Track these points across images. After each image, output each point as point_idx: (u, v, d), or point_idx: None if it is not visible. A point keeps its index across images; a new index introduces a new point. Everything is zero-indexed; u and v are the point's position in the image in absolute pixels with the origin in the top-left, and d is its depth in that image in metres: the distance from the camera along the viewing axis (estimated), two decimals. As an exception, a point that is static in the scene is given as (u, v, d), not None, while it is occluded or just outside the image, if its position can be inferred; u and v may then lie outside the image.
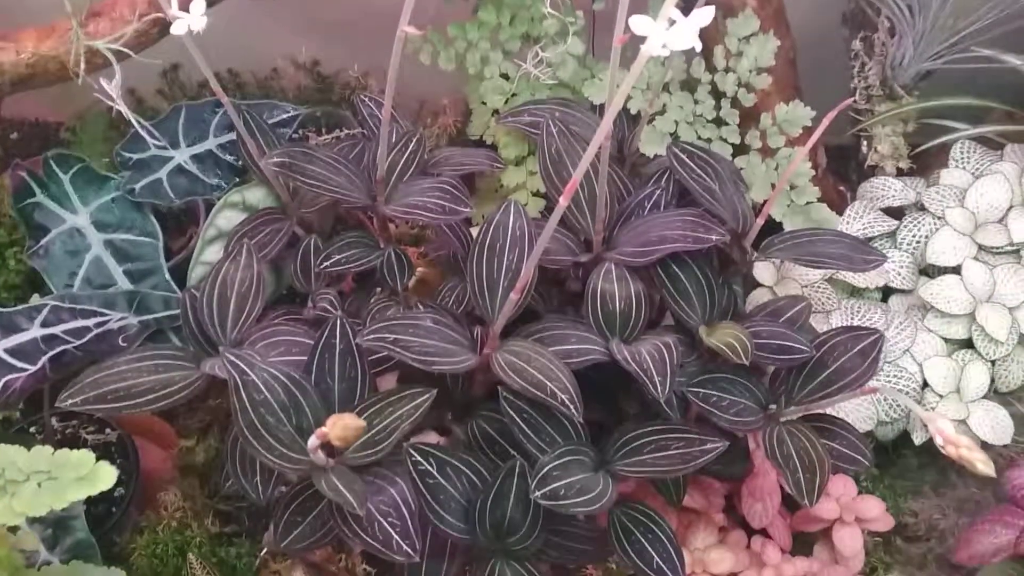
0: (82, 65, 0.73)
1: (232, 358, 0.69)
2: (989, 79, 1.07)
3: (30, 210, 1.00)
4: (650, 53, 0.50)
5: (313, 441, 0.63)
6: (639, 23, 0.49)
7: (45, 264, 0.98)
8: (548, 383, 0.73)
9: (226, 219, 0.98)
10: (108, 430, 1.00)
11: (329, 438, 0.59)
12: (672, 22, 0.51)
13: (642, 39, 0.51)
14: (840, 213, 1.07)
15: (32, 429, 1.01)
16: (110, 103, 0.77)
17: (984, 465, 0.57)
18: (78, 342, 0.87)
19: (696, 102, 1.00)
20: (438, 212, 0.86)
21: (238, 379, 0.68)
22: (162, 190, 1.00)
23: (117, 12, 0.86)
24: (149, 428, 1.04)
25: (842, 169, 1.21)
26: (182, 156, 1.01)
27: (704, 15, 0.51)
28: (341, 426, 0.58)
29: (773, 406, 0.82)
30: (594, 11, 1.01)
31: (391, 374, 0.90)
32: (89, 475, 0.62)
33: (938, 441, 0.60)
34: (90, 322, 0.89)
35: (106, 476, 0.62)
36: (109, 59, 0.82)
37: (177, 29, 0.67)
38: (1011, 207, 1.04)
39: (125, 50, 0.81)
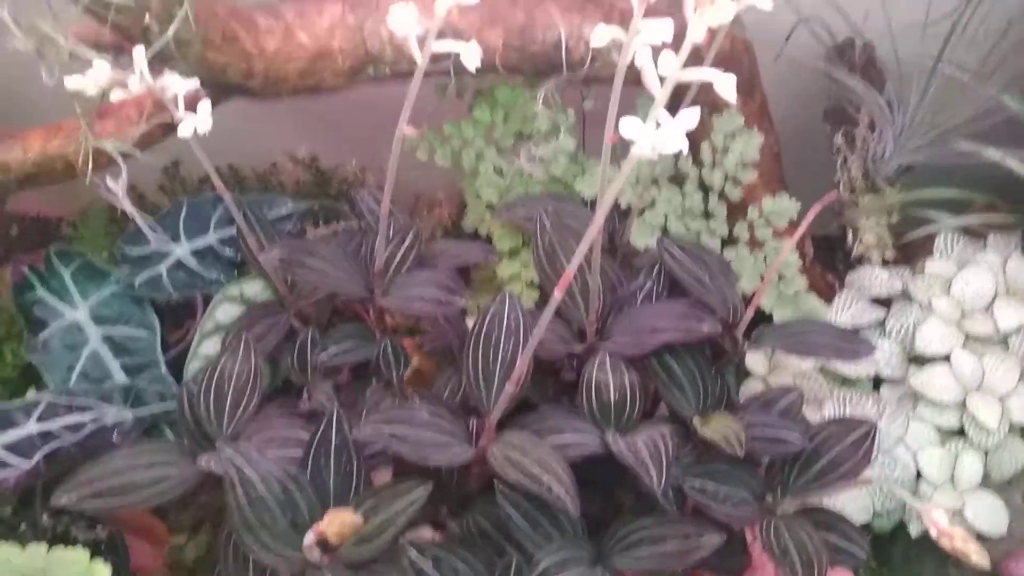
0: (89, 165, 0.75)
1: (230, 454, 0.69)
2: (970, 171, 1.10)
3: (30, 305, 1.01)
4: (640, 155, 0.52)
5: (309, 538, 0.62)
6: (629, 126, 0.51)
7: (43, 358, 0.99)
8: (544, 476, 0.73)
9: (225, 312, 1.00)
10: (99, 527, 0.99)
11: (325, 535, 0.59)
12: (660, 124, 0.53)
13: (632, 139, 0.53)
14: (829, 303, 1.09)
15: (23, 526, 0.99)
16: (115, 203, 0.79)
17: (979, 557, 0.58)
18: (74, 438, 0.87)
19: (684, 196, 1.02)
20: (435, 304, 0.87)
21: (235, 476, 0.68)
22: (162, 284, 1.01)
23: (124, 113, 0.88)
24: (140, 524, 1.03)
25: (829, 259, 1.23)
26: (182, 251, 1.03)
27: (690, 117, 0.53)
28: (338, 522, 0.58)
29: (769, 498, 0.82)
30: (584, 109, 1.05)
31: (385, 468, 0.90)
32: (84, 574, 0.61)
33: (933, 532, 0.60)
34: (86, 417, 0.89)
35: (100, 575, 0.61)
36: (114, 158, 0.84)
37: (184, 131, 0.70)
38: (996, 296, 1.05)
39: (131, 150, 0.83)
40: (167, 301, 1.04)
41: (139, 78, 0.66)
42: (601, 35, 0.55)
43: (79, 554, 0.64)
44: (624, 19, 0.93)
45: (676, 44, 0.52)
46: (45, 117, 0.96)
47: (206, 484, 0.88)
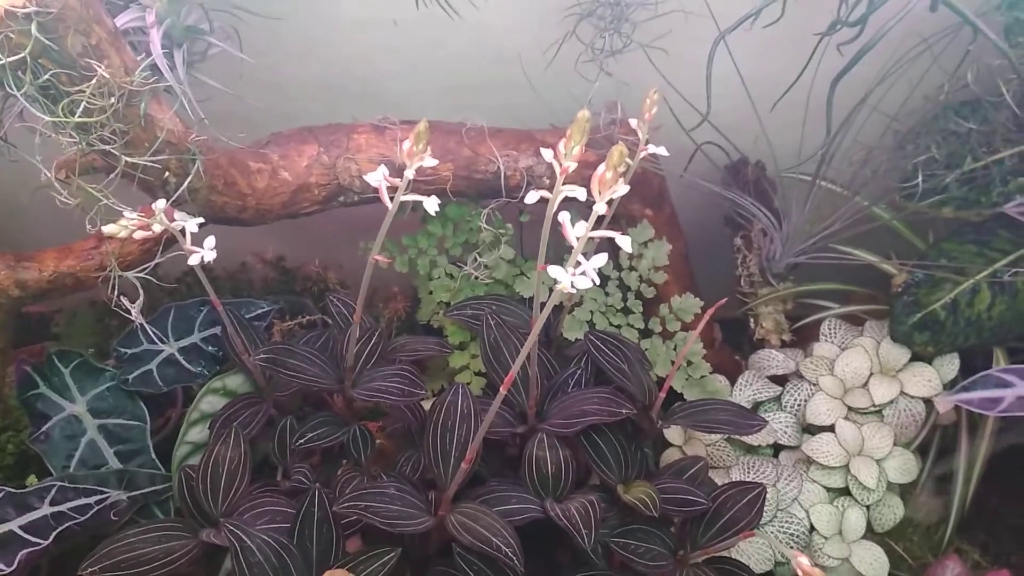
0: (116, 293, 0.89)
1: (232, 527, 0.83)
2: (853, 267, 1.30)
3: (33, 400, 1.13)
4: (562, 290, 0.69)
5: (306, 594, 0.76)
6: (554, 271, 0.68)
7: (45, 448, 1.11)
8: (494, 539, 0.88)
9: (209, 403, 1.13)
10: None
11: (323, 590, 0.73)
12: (578, 264, 0.71)
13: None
14: (735, 380, 1.27)
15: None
16: (132, 319, 0.93)
17: (833, 591, 0.74)
18: (82, 518, 0.99)
19: (607, 295, 1.20)
20: (399, 395, 1.02)
21: (237, 545, 0.82)
22: (152, 379, 1.15)
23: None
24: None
25: (738, 341, 1.42)
26: (171, 349, 1.17)
27: (599, 260, 0.70)
28: (334, 580, 0.72)
29: (681, 551, 0.98)
30: (521, 222, 1.22)
31: (355, 536, 1.04)
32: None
33: (798, 572, 0.76)
34: (91, 500, 1.01)
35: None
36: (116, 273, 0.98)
37: (193, 260, 0.85)
38: (871, 374, 1.25)
39: (146, 278, 0.96)
40: (151, 392, 1.17)
41: (160, 222, 0.81)
42: (532, 197, 0.72)
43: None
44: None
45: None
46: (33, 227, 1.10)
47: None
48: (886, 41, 1.03)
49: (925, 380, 1.22)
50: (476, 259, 1.18)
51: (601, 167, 0.66)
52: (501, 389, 0.83)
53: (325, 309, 1.32)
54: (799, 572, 0.77)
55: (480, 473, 1.04)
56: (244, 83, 1.02)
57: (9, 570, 0.93)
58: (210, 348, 1.19)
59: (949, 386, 1.22)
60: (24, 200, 1.27)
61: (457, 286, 1.20)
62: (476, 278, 1.19)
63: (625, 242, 0.68)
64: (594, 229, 0.67)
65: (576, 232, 0.67)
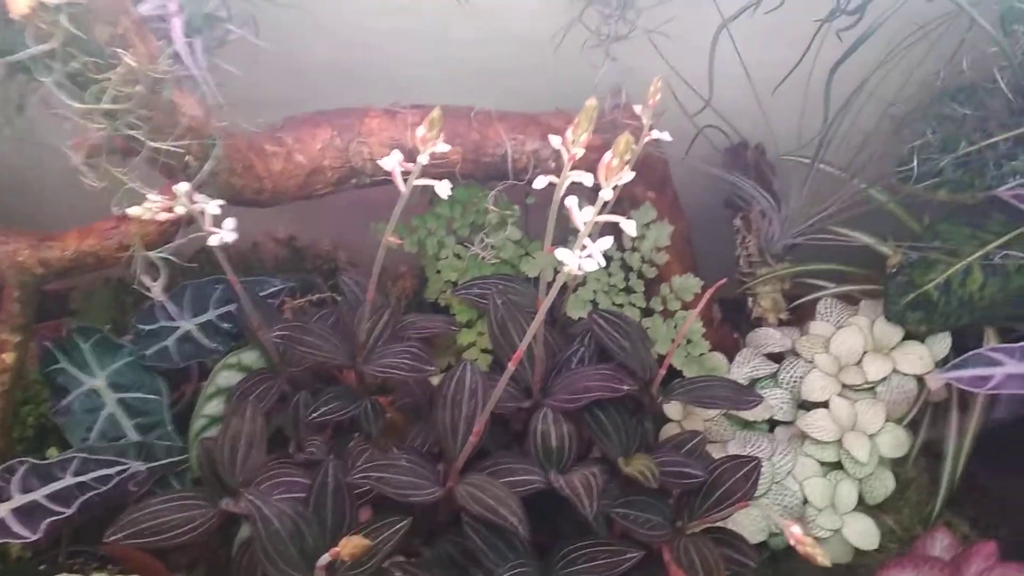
0: (138, 271, 0.93)
1: (251, 497, 0.87)
2: (850, 249, 1.34)
3: (54, 375, 1.17)
4: (569, 272, 0.72)
5: (324, 559, 0.80)
6: (562, 254, 0.72)
7: (66, 421, 1.15)
8: (500, 508, 0.92)
9: (225, 378, 1.17)
10: (110, 566, 1.14)
11: (341, 556, 0.77)
12: (585, 247, 0.74)
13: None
14: (733, 357, 1.31)
15: (42, 567, 1.14)
16: (154, 298, 0.96)
17: (823, 558, 0.78)
18: (104, 488, 1.03)
19: (610, 275, 1.24)
20: (409, 371, 1.05)
21: (257, 514, 0.86)
22: (169, 355, 1.18)
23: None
24: (143, 564, 1.19)
25: (736, 319, 1.45)
26: (188, 326, 1.20)
27: (604, 243, 0.74)
28: (351, 546, 0.76)
29: (679, 521, 1.02)
30: (527, 204, 1.25)
31: (366, 507, 1.08)
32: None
33: (791, 541, 0.80)
34: (112, 471, 1.06)
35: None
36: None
37: (213, 241, 0.88)
38: (865, 352, 1.28)
39: (170, 257, 0.99)
40: (168, 369, 1.21)
41: (183, 204, 0.84)
42: (540, 182, 0.75)
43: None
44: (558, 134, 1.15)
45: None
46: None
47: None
48: (884, 28, 1.06)
49: (917, 358, 1.25)
50: (483, 240, 1.21)
51: (607, 155, 0.69)
52: (509, 365, 0.86)
53: (335, 287, 1.35)
54: (791, 541, 0.81)
55: (486, 447, 1.08)
56: (259, 69, 1.05)
57: (34, 537, 0.97)
58: (225, 325, 1.22)
59: (941, 364, 1.25)
60: (36, 183, 1.31)
61: (464, 266, 1.24)
62: (483, 258, 1.23)
63: (629, 227, 0.71)
64: (600, 214, 0.71)
65: (583, 217, 0.71)
